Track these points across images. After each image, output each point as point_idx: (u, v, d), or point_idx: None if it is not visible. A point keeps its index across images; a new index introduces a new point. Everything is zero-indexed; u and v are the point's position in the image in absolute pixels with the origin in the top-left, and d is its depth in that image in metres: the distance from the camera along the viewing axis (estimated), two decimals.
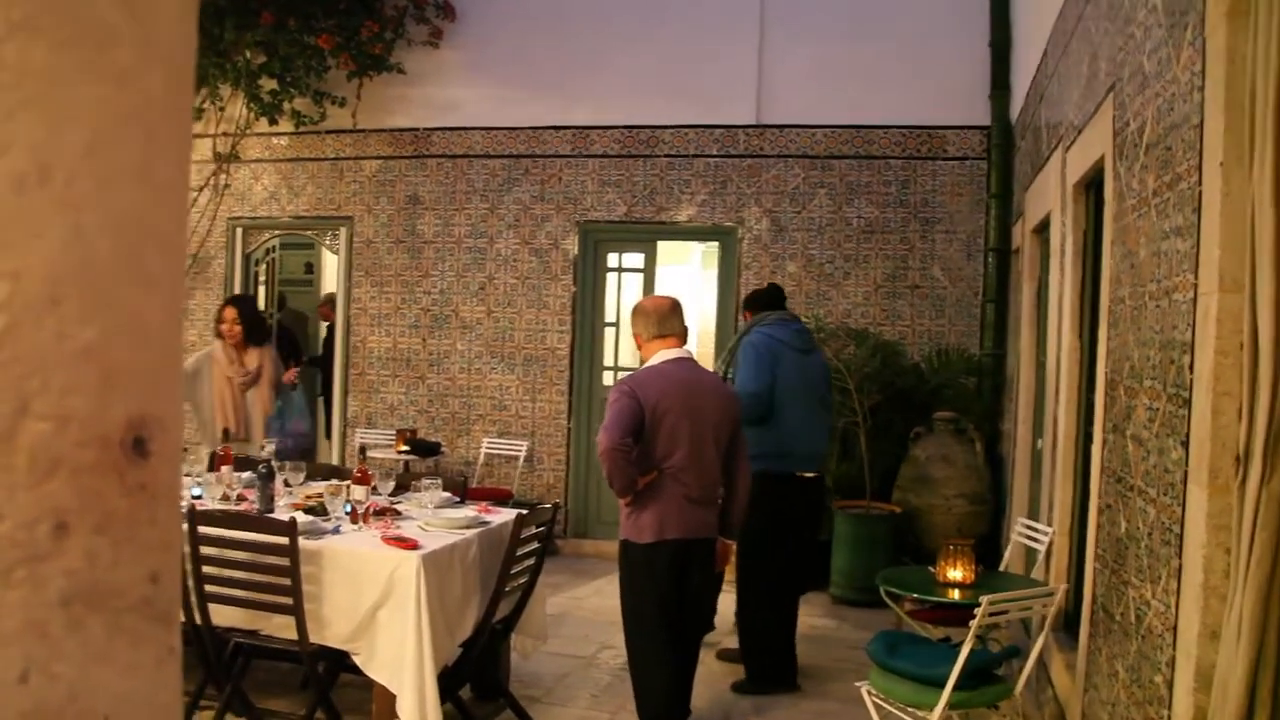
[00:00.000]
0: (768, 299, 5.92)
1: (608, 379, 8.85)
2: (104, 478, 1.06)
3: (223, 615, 4.28)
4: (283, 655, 4.45)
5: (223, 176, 9.58)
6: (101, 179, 0.99)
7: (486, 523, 4.73)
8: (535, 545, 4.77)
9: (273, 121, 9.09)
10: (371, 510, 4.64)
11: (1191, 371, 2.72)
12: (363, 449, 5.52)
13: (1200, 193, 2.71)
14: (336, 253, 9.46)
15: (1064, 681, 4.37)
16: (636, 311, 4.55)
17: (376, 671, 4.12)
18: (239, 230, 9.67)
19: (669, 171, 8.63)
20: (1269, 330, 2.19)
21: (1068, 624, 4.64)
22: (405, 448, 7.98)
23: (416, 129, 9.09)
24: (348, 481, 5.13)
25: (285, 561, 4.04)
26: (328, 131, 9.19)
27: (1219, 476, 2.46)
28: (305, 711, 4.34)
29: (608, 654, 5.90)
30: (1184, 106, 3.04)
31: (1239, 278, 2.41)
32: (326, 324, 10.61)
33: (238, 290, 9.63)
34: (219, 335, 6.44)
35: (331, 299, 10.57)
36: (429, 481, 4.96)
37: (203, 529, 4.16)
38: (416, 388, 9.01)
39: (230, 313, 6.40)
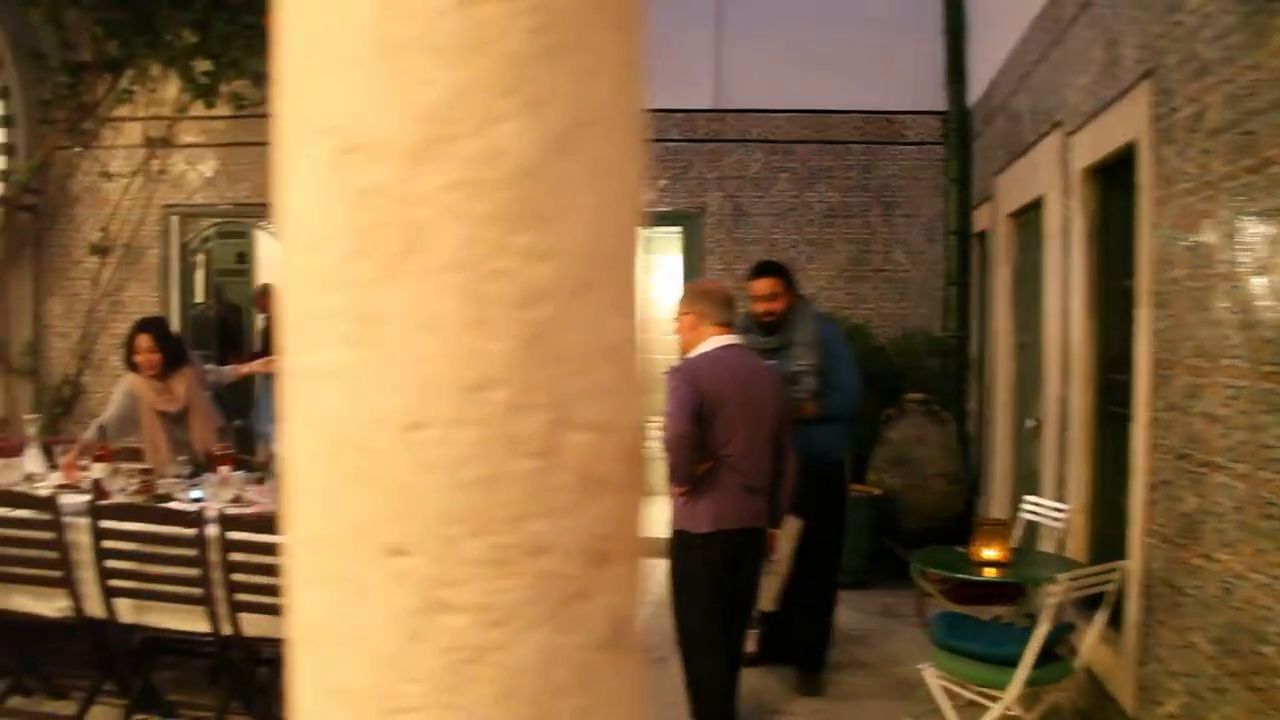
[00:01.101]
0: None
1: None
2: (634, 496, 0.96)
3: (251, 625, 4.10)
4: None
5: (156, 162, 9.17)
6: (617, 145, 0.91)
7: None
8: None
9: (209, 104, 8.74)
10: None
11: None
12: None
13: None
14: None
15: (1102, 655, 4.46)
16: (700, 295, 4.45)
17: None
18: (174, 219, 9.27)
19: None
20: None
21: (1090, 600, 4.74)
22: None
23: None
24: None
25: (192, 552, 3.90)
26: (268, 114, 8.83)
27: None
28: None
29: None
30: (1274, 92, 3.12)
31: None
32: (263, 315, 10.27)
33: (174, 284, 9.25)
34: (131, 367, 5.51)
35: (268, 289, 10.23)
36: None
37: (234, 535, 3.97)
38: None
39: (145, 340, 5.45)
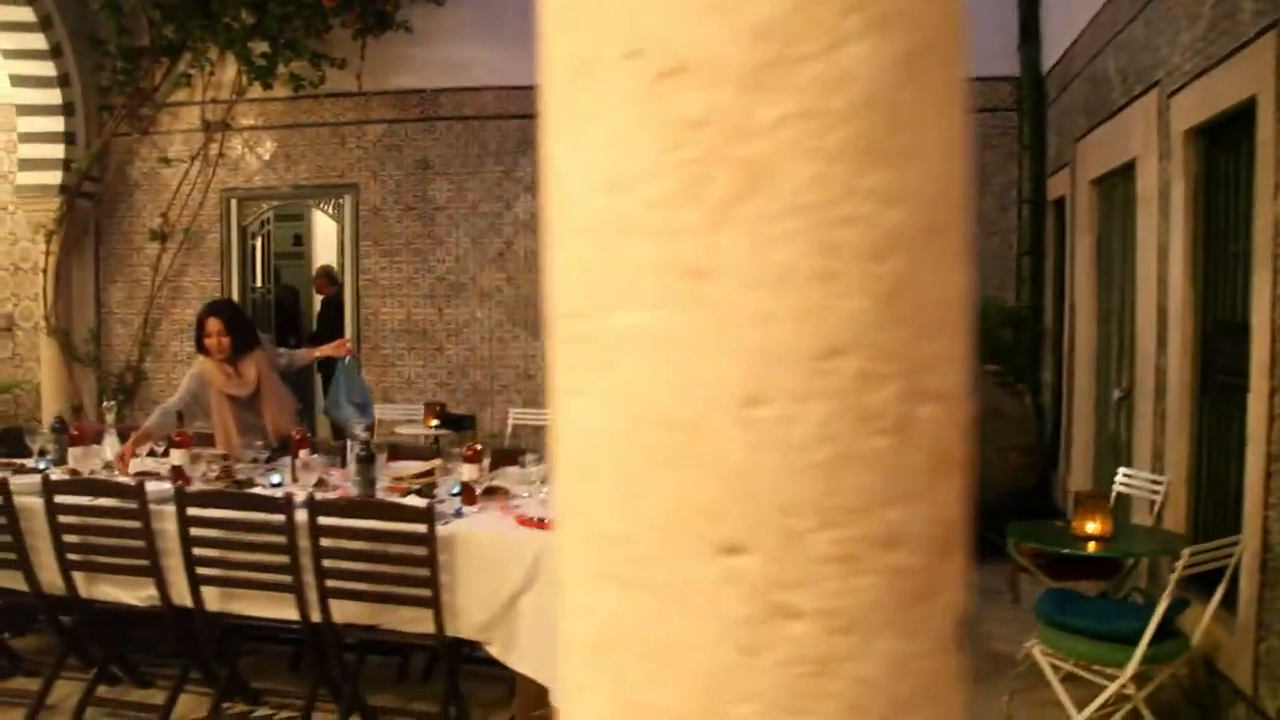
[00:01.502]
0: None
1: None
2: (969, 477, 0.83)
3: (340, 611, 4.01)
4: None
5: (214, 146, 9.14)
6: (954, 73, 0.77)
7: None
8: None
9: (267, 86, 8.68)
10: (481, 490, 4.40)
11: None
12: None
13: None
14: (340, 222, 9.09)
15: (1214, 633, 4.29)
16: None
17: (519, 662, 3.88)
18: (233, 203, 9.23)
19: None
20: None
21: (1195, 577, 4.57)
22: (435, 422, 7.68)
23: (424, 90, 8.73)
24: (436, 461, 4.91)
25: (422, 550, 3.79)
26: (327, 95, 8.79)
27: None
28: (439, 707, 4.11)
29: None
30: None
31: None
32: (321, 297, 10.23)
33: (235, 268, 9.22)
34: (203, 350, 5.39)
35: (326, 271, 10.20)
36: (533, 456, 4.71)
37: (324, 520, 3.89)
38: (434, 360, 8.70)
39: (214, 323, 5.32)
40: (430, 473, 4.75)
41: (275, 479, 4.69)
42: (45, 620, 4.49)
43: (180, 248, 9.25)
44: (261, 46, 8.56)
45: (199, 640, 4.32)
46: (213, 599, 4.12)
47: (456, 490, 4.47)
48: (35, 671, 4.80)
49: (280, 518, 3.88)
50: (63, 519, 4.19)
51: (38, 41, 8.85)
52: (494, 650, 3.94)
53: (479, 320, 8.67)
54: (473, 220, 8.68)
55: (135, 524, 4.07)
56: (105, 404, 5.38)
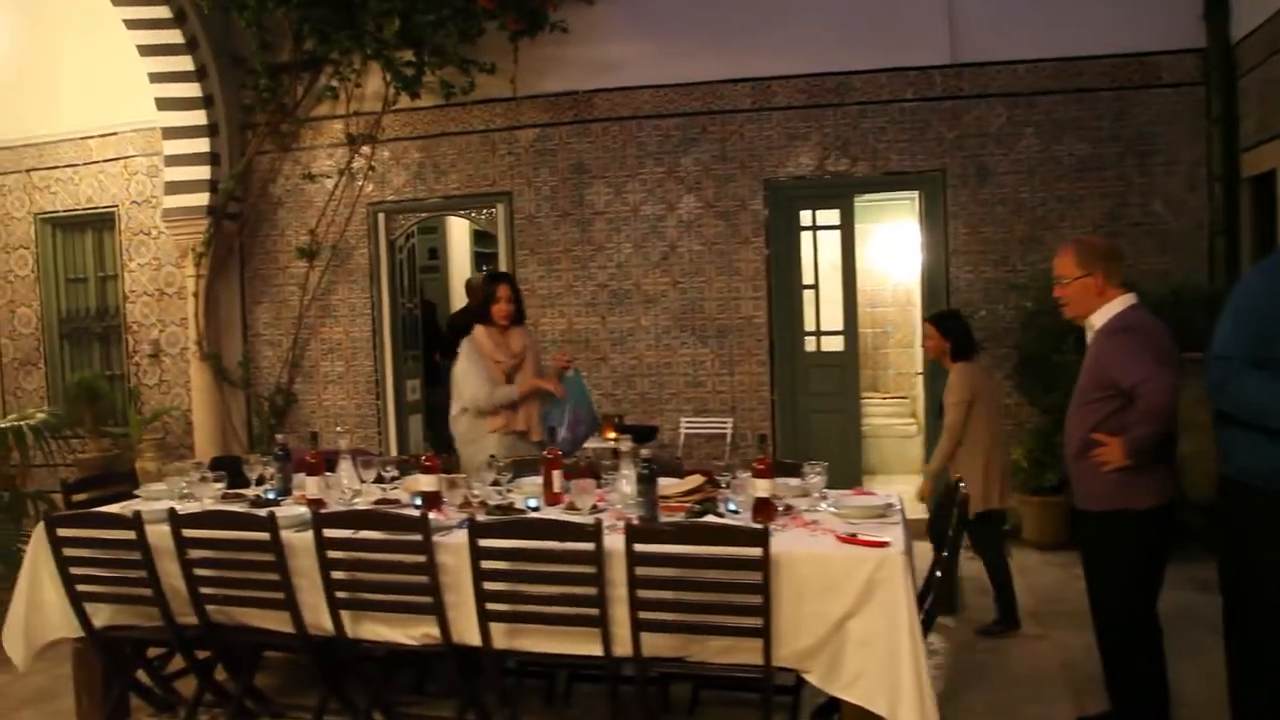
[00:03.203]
0: None
1: (810, 345, 8.30)
2: None
3: (648, 644, 3.69)
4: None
5: (359, 159, 8.92)
6: None
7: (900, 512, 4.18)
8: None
9: (414, 96, 8.45)
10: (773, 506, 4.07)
11: None
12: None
13: None
14: (494, 231, 8.83)
15: None
16: (1100, 255, 3.96)
17: (846, 690, 3.54)
18: (381, 216, 9.00)
19: (861, 120, 8.04)
20: None
21: None
22: (614, 435, 7.38)
23: (576, 92, 8.44)
24: (696, 477, 4.60)
25: (755, 576, 3.47)
26: (474, 102, 8.53)
27: None
28: None
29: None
30: None
31: None
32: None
33: (384, 283, 8.99)
34: (487, 317, 5.67)
35: (470, 283, 9.96)
36: (814, 467, 4.38)
37: (642, 547, 3.57)
38: (599, 369, 8.39)
39: (504, 290, 5.68)
40: (698, 489, 4.44)
41: (531, 503, 4.41)
42: (313, 663, 4.22)
43: (328, 265, 9.04)
44: (407, 55, 8.33)
45: (484, 678, 4.04)
46: (499, 636, 3.83)
47: (734, 507, 4.16)
48: (280, 714, 4.59)
49: (589, 546, 3.58)
50: (331, 554, 3.93)
51: (184, 63, 8.71)
52: (813, 678, 3.63)
53: (644, 327, 8.36)
54: (634, 224, 8.37)
55: (419, 558, 3.78)
56: (339, 429, 5.09)
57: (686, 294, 8.29)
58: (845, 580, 3.54)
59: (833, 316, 8.30)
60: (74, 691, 4.68)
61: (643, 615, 3.60)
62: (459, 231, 11.01)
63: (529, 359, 5.71)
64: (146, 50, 8.68)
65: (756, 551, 3.47)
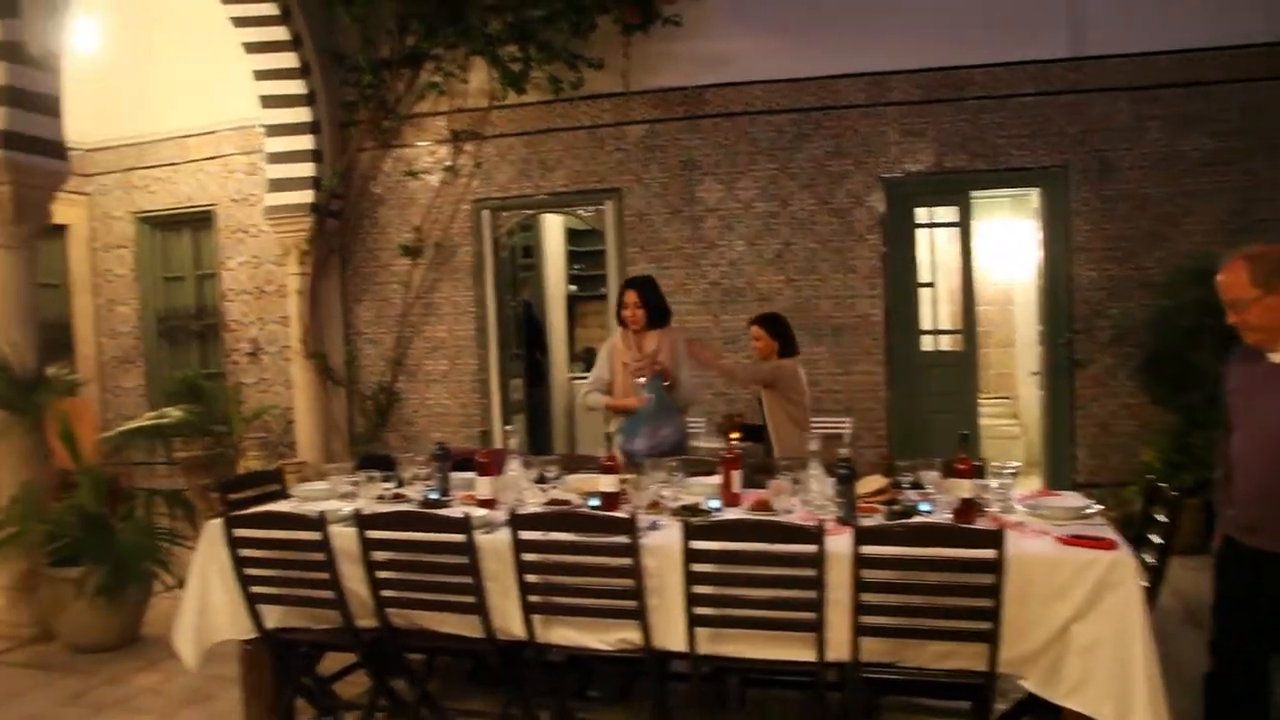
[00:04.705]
0: None
1: (926, 344, 8.16)
2: None
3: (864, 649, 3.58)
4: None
5: (461, 157, 8.86)
6: None
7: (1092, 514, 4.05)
8: None
9: (520, 91, 8.38)
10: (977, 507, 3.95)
11: None
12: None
13: None
14: (602, 228, 8.74)
15: None
16: (1275, 268, 3.61)
17: (1068, 696, 3.42)
18: (485, 214, 8.94)
19: (980, 115, 7.90)
20: None
21: None
22: (736, 435, 7.24)
23: (686, 88, 8.34)
24: (878, 478, 4.48)
25: (987, 579, 3.36)
26: (581, 98, 8.46)
27: None
28: None
29: None
30: None
31: None
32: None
33: (489, 280, 8.93)
34: (620, 322, 5.87)
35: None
36: (1001, 467, 4.26)
37: (868, 550, 3.46)
38: (709, 370, 8.30)
39: (632, 296, 5.82)
40: (883, 490, 4.33)
41: (713, 504, 4.31)
42: (501, 669, 4.14)
43: (431, 263, 8.99)
44: (513, 51, 8.26)
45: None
46: (704, 641, 3.73)
47: (928, 508, 4.05)
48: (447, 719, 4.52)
49: (811, 548, 3.48)
50: (526, 557, 3.85)
51: (288, 60, 8.69)
52: (1030, 684, 3.51)
53: None
54: (746, 221, 8.27)
55: (623, 561, 3.69)
56: (507, 428, 5.02)
57: (801, 292, 8.18)
58: (1073, 583, 3.42)
59: (948, 315, 8.17)
60: (241, 693, 4.62)
61: (863, 620, 3.50)
62: (554, 230, 10.93)
63: (664, 359, 5.74)
64: (251, 47, 8.66)
65: (990, 553, 3.35)
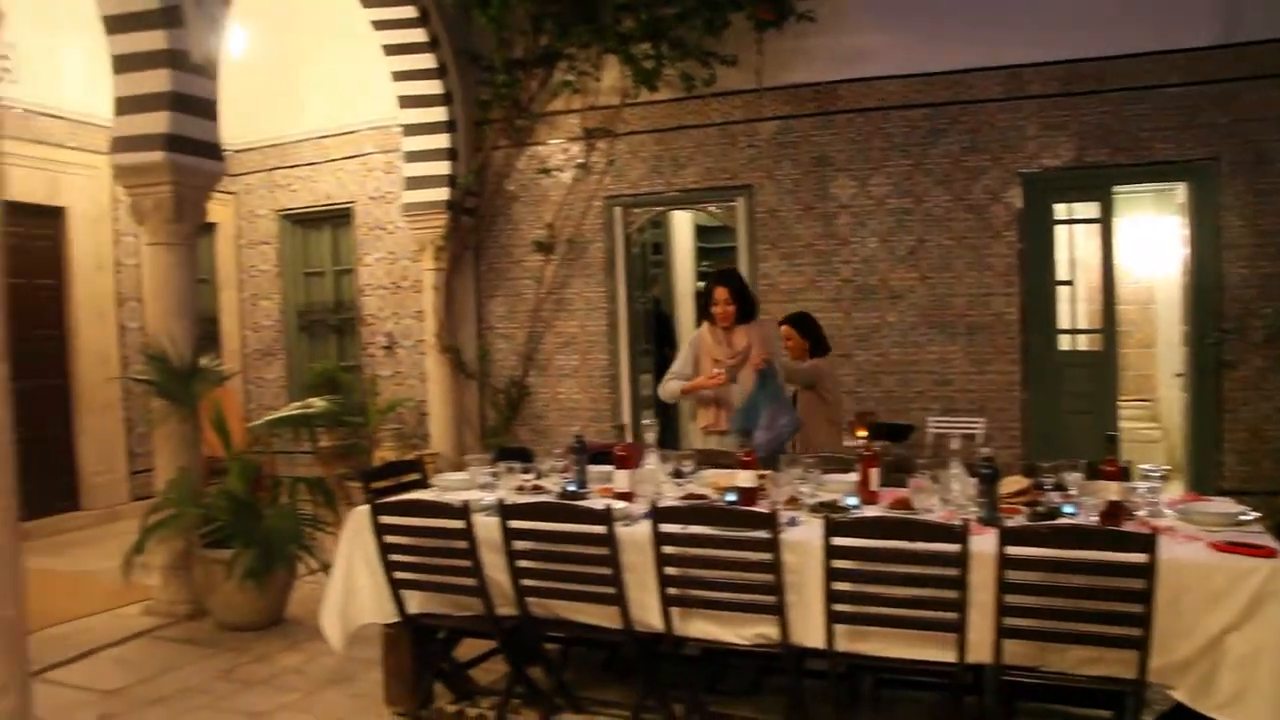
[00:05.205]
0: None
1: (1064, 343, 7.96)
2: None
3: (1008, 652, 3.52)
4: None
5: (595, 154, 8.95)
6: None
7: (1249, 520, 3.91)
8: None
9: (652, 89, 8.42)
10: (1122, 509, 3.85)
11: None
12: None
13: None
14: (733, 225, 8.74)
15: None
16: None
17: (1220, 709, 3.31)
18: (617, 210, 9.02)
19: (1123, 108, 7.66)
20: None
21: None
22: (864, 433, 7.17)
23: (818, 84, 8.28)
24: (1019, 479, 4.39)
25: (1138, 584, 3.28)
26: (713, 95, 8.46)
27: None
28: None
29: None
30: None
31: None
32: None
33: (620, 277, 9.01)
34: (709, 319, 5.75)
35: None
36: (1150, 470, 4.14)
37: (1013, 551, 3.41)
38: (842, 367, 8.21)
39: (722, 292, 5.65)
40: (1024, 491, 4.25)
41: (851, 501, 4.29)
42: (637, 661, 4.19)
43: (563, 259, 9.11)
44: (645, 49, 8.31)
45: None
46: (842, 638, 3.72)
47: (1072, 510, 3.97)
48: (581, 708, 4.58)
49: (954, 548, 3.44)
50: (666, 550, 3.88)
51: (426, 61, 8.90)
52: (1180, 694, 3.41)
53: (890, 324, 8.15)
54: (879, 217, 8.17)
55: (764, 556, 3.70)
56: (644, 422, 5.07)
57: (935, 289, 8.05)
58: (1230, 591, 3.32)
59: (1086, 314, 7.96)
60: (382, 675, 4.77)
61: (1007, 622, 3.45)
62: (683, 226, 10.97)
63: (756, 355, 5.59)
64: (391, 49, 8.89)
65: (1142, 557, 3.28)
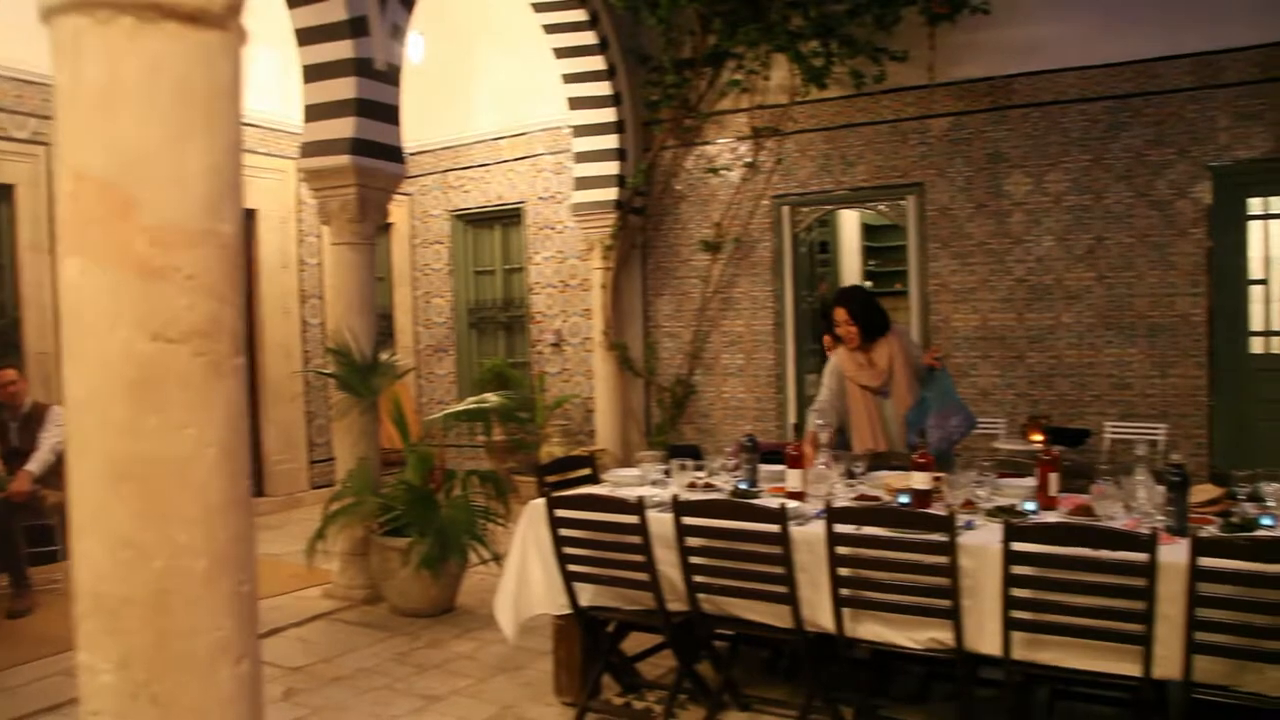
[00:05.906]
0: None
1: (1256, 346, 7.58)
2: None
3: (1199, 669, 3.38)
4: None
5: (763, 153, 8.94)
6: None
7: None
8: None
9: (821, 87, 8.36)
10: None
11: None
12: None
13: None
14: (903, 224, 8.61)
15: None
16: None
17: None
18: (785, 209, 8.99)
19: None
20: None
21: None
22: (1039, 437, 6.99)
23: (992, 78, 8.08)
24: (1210, 487, 4.22)
25: None
26: (882, 91, 8.35)
27: None
28: None
29: None
30: None
31: None
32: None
33: (788, 276, 8.97)
34: (835, 340, 5.54)
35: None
36: None
37: (1206, 562, 3.27)
38: (1014, 369, 8.04)
39: (841, 313, 5.35)
40: (1217, 500, 4.08)
41: (1029, 506, 4.19)
42: (807, 661, 4.18)
43: (730, 258, 9.13)
44: (814, 46, 8.26)
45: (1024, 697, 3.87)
46: (1018, 646, 3.64)
47: (1271, 521, 3.79)
48: (747, 706, 4.60)
49: (1142, 557, 3.33)
50: (840, 550, 3.87)
51: (595, 63, 9.03)
52: None
53: (1065, 325, 7.90)
54: (1055, 215, 7.93)
55: (940, 559, 3.65)
56: (818, 422, 5.06)
57: (1113, 289, 7.76)
58: None
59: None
60: (552, 665, 4.89)
61: (1198, 637, 3.32)
62: (850, 225, 10.87)
63: (899, 370, 5.34)
64: (561, 52, 9.06)
65: None
